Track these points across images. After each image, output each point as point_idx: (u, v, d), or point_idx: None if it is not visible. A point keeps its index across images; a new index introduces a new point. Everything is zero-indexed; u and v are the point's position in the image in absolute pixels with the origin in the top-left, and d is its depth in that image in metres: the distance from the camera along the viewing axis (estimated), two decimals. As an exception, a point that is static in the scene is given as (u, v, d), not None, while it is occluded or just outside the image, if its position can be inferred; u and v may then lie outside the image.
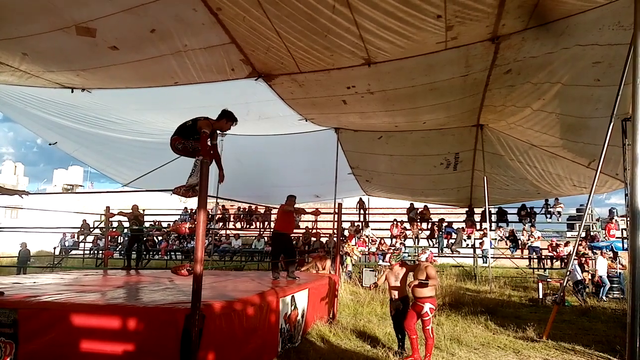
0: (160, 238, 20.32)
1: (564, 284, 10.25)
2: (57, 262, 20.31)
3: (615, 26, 6.39)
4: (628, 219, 6.39)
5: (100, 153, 15.24)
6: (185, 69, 8.15)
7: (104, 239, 14.91)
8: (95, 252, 20.71)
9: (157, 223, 22.01)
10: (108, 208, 10.75)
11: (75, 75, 8.84)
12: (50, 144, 14.05)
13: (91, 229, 21.98)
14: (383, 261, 16.65)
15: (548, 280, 13.14)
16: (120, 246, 20.38)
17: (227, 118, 5.95)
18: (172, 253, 19.75)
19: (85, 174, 43.79)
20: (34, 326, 4.49)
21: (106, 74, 8.68)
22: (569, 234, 19.79)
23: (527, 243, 17.26)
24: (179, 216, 22.85)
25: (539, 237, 17.27)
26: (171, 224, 20.70)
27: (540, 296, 12.43)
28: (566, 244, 16.83)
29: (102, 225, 19.16)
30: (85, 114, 11.39)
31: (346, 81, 8.66)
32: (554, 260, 16.82)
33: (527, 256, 17.72)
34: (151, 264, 19.17)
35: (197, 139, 5.58)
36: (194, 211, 20.08)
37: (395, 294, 6.78)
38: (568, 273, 11.01)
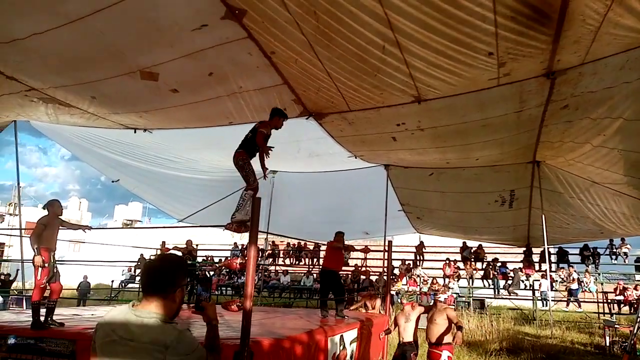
0: (212, 273, 20.69)
1: (635, 331, 9.49)
2: (114, 295, 21.03)
3: (679, 57, 6.10)
4: None
5: (159, 190, 15.90)
6: (239, 109, 8.47)
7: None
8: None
9: (209, 258, 22.48)
10: (164, 243, 11.15)
11: (138, 117, 9.40)
12: (112, 181, 14.83)
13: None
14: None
15: (616, 326, 12.20)
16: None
17: (279, 115, 6.31)
18: (223, 288, 20.01)
19: (144, 209, 45.76)
20: (90, 357, 4.63)
21: (166, 115, 9.17)
22: (637, 276, 18.38)
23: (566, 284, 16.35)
24: (229, 251, 23.27)
25: (575, 279, 16.33)
26: (222, 259, 21.08)
27: (607, 344, 11.53)
28: (635, 287, 15.66)
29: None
30: (146, 152, 12.01)
31: (396, 118, 8.68)
32: (622, 305, 15.65)
33: (593, 299, 16.62)
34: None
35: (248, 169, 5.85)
36: (244, 247, 20.39)
37: (404, 336, 6.43)
38: (638, 319, 10.21)
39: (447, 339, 5.90)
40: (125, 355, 1.73)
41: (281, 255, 22.50)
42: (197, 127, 9.87)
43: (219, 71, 7.17)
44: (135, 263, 22.01)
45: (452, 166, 12.17)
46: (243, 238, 21.31)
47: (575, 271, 17.38)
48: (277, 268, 21.03)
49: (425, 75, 6.74)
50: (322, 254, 19.11)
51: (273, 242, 22.62)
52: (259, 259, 20.43)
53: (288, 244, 23.43)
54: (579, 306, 16.32)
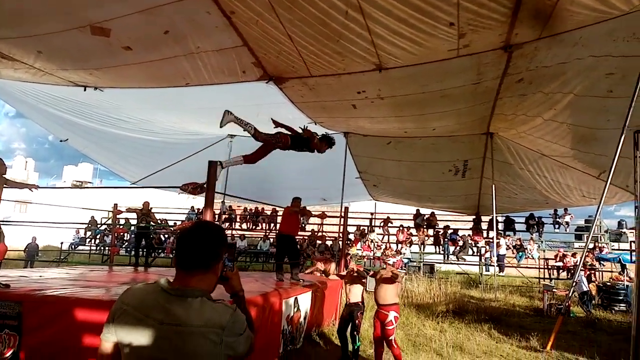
0: (167, 236, 20.42)
1: (570, 295, 10.17)
2: (63, 257, 20.47)
3: (630, 38, 6.35)
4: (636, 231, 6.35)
5: (110, 151, 15.37)
6: (196, 70, 8.21)
7: (110, 236, 15.02)
8: (102, 248, 20.88)
9: (163, 221, 22.13)
10: (116, 205, 10.83)
11: (88, 74, 8.94)
12: (61, 141, 14.20)
13: (98, 225, 22.16)
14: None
15: (554, 290, 13.04)
16: (126, 243, 20.53)
17: (327, 142, 6.59)
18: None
19: (95, 171, 44.18)
20: (37, 319, 4.52)
21: (119, 73, 8.76)
22: (576, 244, 19.60)
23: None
24: (186, 215, 22.98)
25: (500, 245, 17.18)
26: (178, 223, 20.82)
27: (546, 306, 12.34)
28: (573, 255, 16.70)
29: (110, 221, 19.31)
30: (97, 112, 11.50)
31: (357, 86, 8.67)
32: (561, 271, 16.70)
33: (534, 266, 17.63)
34: (156, 262, 19.26)
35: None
36: (200, 210, 20.17)
37: (351, 297, 6.67)
38: (574, 284, 10.93)
39: (394, 299, 6.13)
40: (174, 342, 1.50)
41: (238, 219, 22.45)
42: (151, 87, 9.50)
43: (175, 29, 6.87)
44: (86, 225, 21.42)
45: (410, 135, 12.37)
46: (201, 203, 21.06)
47: (519, 239, 18.31)
48: (234, 232, 21.02)
49: (387, 43, 6.73)
50: (279, 219, 19.20)
51: (230, 206, 22.49)
52: (216, 222, 20.32)
53: (245, 208, 23.36)
54: (501, 270, 17.01)
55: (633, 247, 13.90)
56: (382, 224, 20.72)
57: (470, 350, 7.36)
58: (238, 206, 23.35)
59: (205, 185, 5.16)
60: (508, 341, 8.24)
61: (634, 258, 12.34)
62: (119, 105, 11.05)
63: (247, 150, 14.76)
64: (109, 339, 1.62)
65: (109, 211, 14.12)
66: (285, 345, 6.31)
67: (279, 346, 6.09)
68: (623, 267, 14.78)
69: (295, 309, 6.80)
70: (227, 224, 21.14)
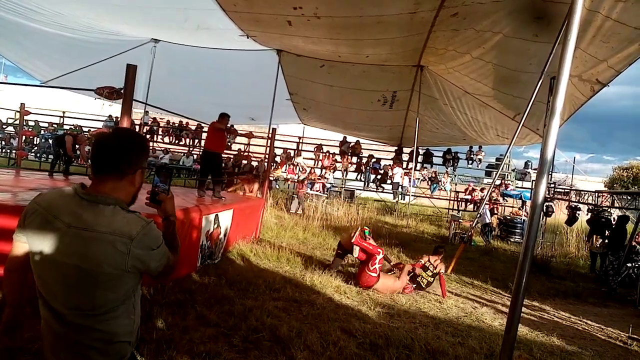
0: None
1: (474, 225, 11.09)
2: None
3: (561, -17, 6.50)
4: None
5: (18, 44, 13.77)
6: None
7: (17, 138, 13.87)
8: (8, 151, 19.32)
9: (77, 127, 20.72)
10: (23, 105, 9.90)
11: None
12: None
13: (4, 126, 20.31)
14: (311, 190, 17.01)
15: (460, 220, 14.15)
16: (36, 148, 19.12)
17: None
18: (94, 162, 18.80)
19: (0, 65, 39.62)
20: None
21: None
22: (485, 180, 21.15)
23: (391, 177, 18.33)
24: (103, 122, 21.62)
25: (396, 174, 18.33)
26: (92, 129, 19.58)
27: (451, 235, 13.41)
28: (482, 190, 18.04)
29: (17, 123, 17.75)
30: (0, -3, 10.10)
31: (293, 1, 8.26)
32: (469, 204, 18.05)
33: (446, 197, 18.86)
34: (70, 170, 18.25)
35: None
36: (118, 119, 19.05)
37: None
38: (478, 216, 11.90)
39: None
40: (79, 246, 1.47)
41: (160, 132, 21.51)
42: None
43: None
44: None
45: (343, 60, 12.21)
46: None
47: (435, 172, 19.36)
48: (156, 145, 20.22)
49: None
50: (204, 135, 18.68)
51: (155, 119, 21.44)
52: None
53: (168, 121, 22.38)
54: (402, 198, 18.18)
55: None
56: (314, 150, 20.90)
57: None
58: (161, 118, 22.30)
59: (122, 91, 4.79)
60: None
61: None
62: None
63: (171, 58, 13.92)
64: (20, 239, 1.59)
65: (15, 111, 12.90)
66: (203, 260, 6.37)
67: (197, 260, 6.14)
68: (523, 203, 16.27)
69: (216, 226, 6.82)
70: (148, 136, 20.24)
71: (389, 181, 18.63)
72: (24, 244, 1.58)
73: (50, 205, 1.54)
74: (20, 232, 1.59)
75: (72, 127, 20.26)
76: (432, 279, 7.09)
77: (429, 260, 7.14)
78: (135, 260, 1.52)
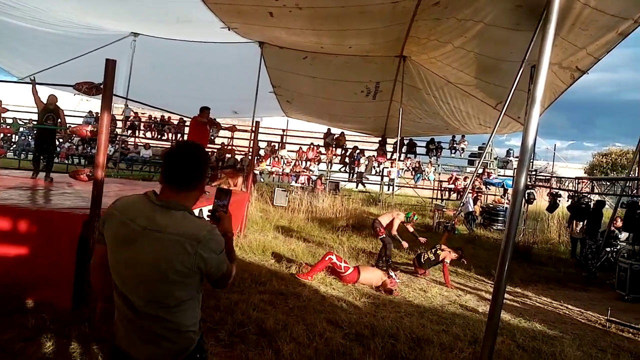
0: (61, 140, 18.86)
1: (457, 214, 11.19)
2: None
3: (540, -29, 6.54)
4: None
5: (-7, 40, 13.46)
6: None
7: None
8: (-16, 149, 18.86)
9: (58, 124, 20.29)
10: (0, 102, 9.63)
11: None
12: None
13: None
14: (296, 182, 16.98)
15: (444, 209, 14.26)
16: (14, 145, 18.71)
17: None
18: (74, 158, 18.51)
19: (-28, 61, 38.52)
20: None
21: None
22: (468, 169, 21.33)
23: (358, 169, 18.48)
24: (82, 118, 21.23)
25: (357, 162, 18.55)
26: (72, 126, 19.21)
27: (435, 223, 13.52)
28: (465, 179, 18.19)
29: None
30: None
31: (274, -9, 8.19)
32: (452, 193, 18.19)
33: (429, 187, 19.00)
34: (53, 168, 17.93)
35: None
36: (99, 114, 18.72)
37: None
38: (462, 205, 12.02)
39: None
40: (153, 246, 1.64)
41: (142, 127, 21.20)
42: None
43: None
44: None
45: (326, 51, 12.17)
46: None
47: (418, 162, 19.45)
48: (137, 140, 19.94)
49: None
50: (187, 129, 18.47)
51: (136, 114, 21.12)
52: (116, 128, 19.07)
53: (150, 116, 22.06)
54: (390, 189, 18.33)
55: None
56: (298, 150, 20.84)
57: (365, 262, 7.96)
58: (142, 113, 21.98)
59: (102, 86, 4.69)
60: (398, 254, 8.99)
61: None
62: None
63: (151, 52, 13.71)
64: (100, 241, 1.79)
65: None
66: (187, 254, 6.31)
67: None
68: (505, 191, 16.47)
69: (199, 220, 6.76)
70: (129, 131, 19.95)
71: (372, 172, 18.67)
72: (104, 245, 1.76)
73: (127, 210, 1.73)
74: (101, 234, 1.78)
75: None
76: (433, 257, 7.64)
77: (439, 245, 7.83)
78: (200, 261, 1.66)
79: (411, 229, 8.42)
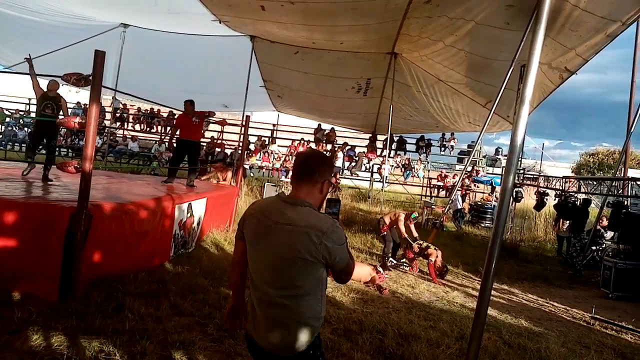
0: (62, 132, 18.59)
1: (446, 211, 11.27)
2: None
3: (531, -29, 6.58)
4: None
5: (-23, 28, 13.20)
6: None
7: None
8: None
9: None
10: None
11: None
12: None
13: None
14: (285, 177, 16.96)
15: (433, 206, 14.35)
16: (0, 136, 18.44)
17: None
18: (62, 149, 18.29)
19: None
20: None
21: None
22: (457, 167, 21.46)
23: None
24: (70, 109, 20.97)
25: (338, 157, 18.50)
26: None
27: (424, 220, 13.60)
28: (454, 176, 18.32)
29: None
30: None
31: (266, -15, 8.14)
32: (441, 190, 18.30)
33: (419, 184, 19.09)
34: (36, 159, 17.72)
35: None
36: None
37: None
38: (450, 202, 12.09)
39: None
40: (284, 237, 1.84)
41: (131, 120, 20.99)
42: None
43: None
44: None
45: (318, 47, 12.13)
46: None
47: (408, 159, 19.55)
48: (126, 133, 19.74)
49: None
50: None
51: (125, 105, 20.90)
52: (104, 120, 18.88)
53: (139, 109, 21.86)
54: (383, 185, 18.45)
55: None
56: (287, 150, 20.79)
57: (354, 256, 7.97)
58: (131, 105, 21.78)
59: (90, 78, 4.64)
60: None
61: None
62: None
63: (141, 44, 13.55)
64: (240, 238, 2.07)
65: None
66: (176, 249, 6.30)
67: (169, 250, 6.07)
68: (493, 189, 16.61)
69: (189, 215, 6.74)
70: (117, 123, 19.75)
71: (362, 168, 18.72)
72: (244, 242, 2.03)
73: (262, 209, 1.98)
74: (241, 232, 2.05)
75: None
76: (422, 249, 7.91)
77: (429, 244, 8.01)
78: (325, 251, 1.83)
79: (415, 233, 8.44)
